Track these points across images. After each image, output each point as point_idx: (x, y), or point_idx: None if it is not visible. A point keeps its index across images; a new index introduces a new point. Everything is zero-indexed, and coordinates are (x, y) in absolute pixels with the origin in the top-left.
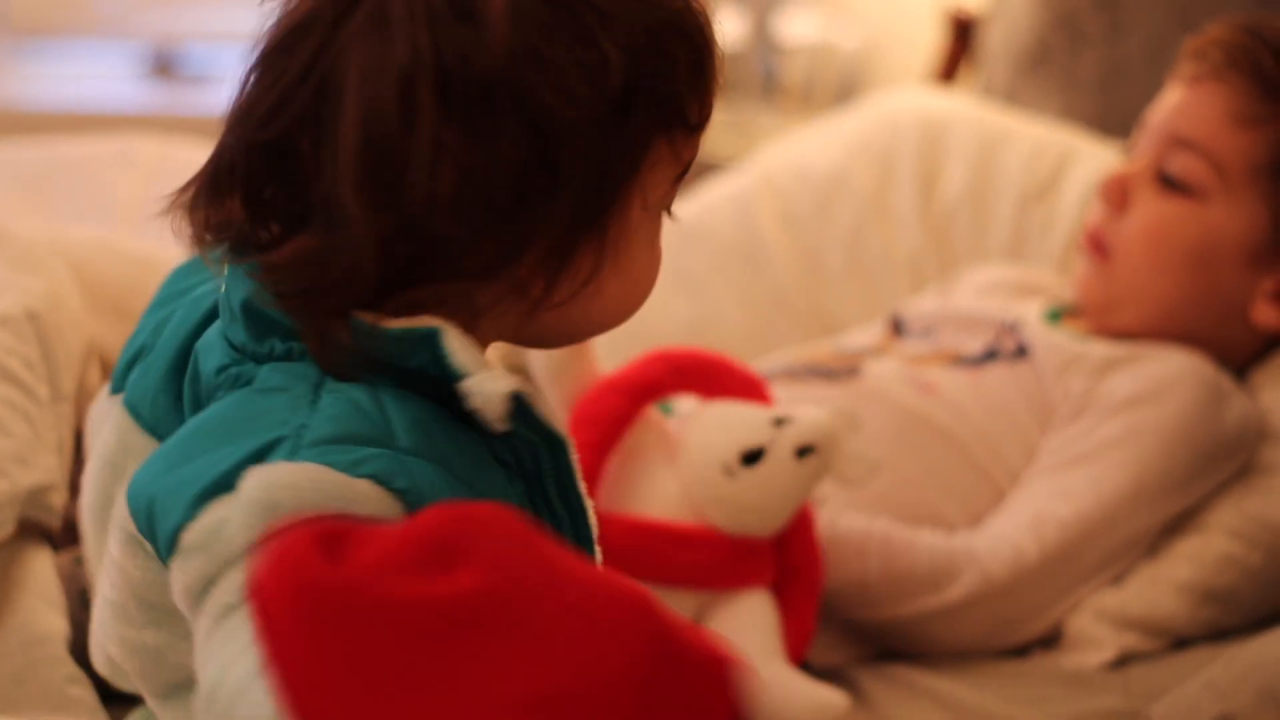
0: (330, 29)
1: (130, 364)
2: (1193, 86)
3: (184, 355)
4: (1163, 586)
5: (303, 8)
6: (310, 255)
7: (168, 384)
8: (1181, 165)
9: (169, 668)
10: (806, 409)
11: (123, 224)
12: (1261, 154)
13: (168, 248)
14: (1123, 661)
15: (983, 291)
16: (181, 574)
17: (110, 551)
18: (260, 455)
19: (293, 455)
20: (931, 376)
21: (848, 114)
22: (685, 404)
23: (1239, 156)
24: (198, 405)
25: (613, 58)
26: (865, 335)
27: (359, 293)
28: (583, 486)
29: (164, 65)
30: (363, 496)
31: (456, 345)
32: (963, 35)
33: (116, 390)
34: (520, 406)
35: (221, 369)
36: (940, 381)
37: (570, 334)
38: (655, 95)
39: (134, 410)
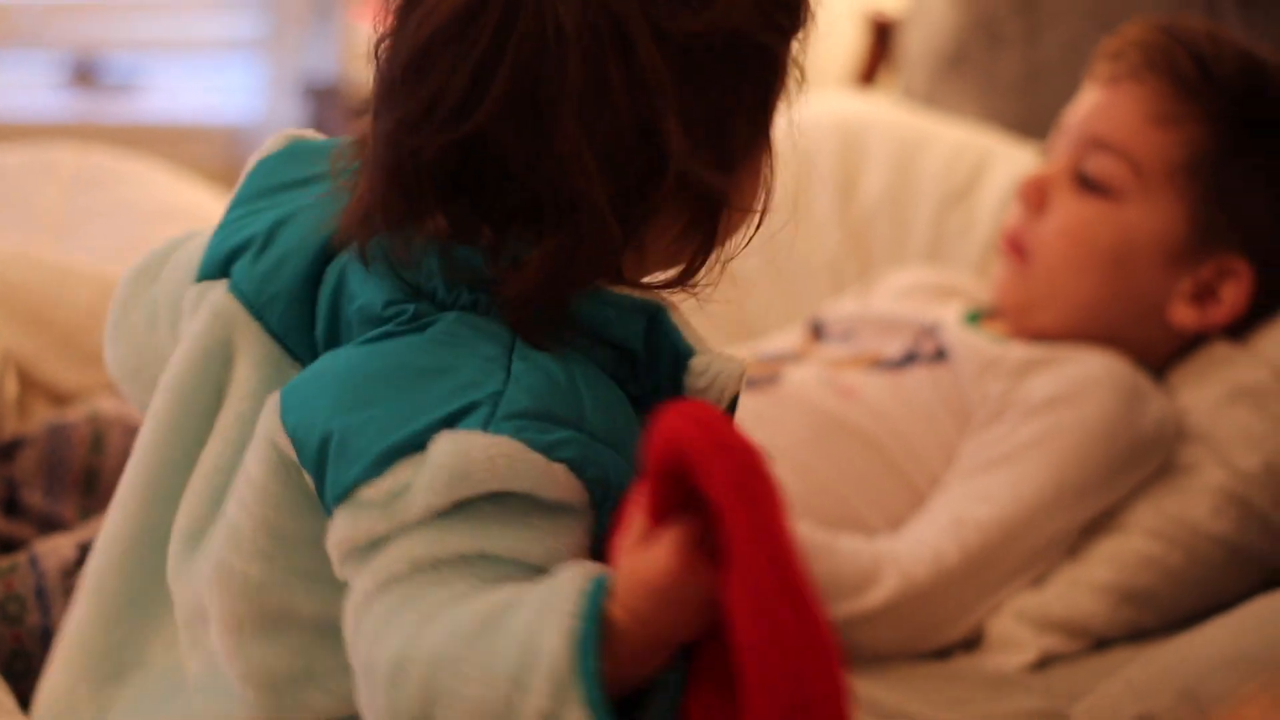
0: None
1: (234, 254)
2: (1110, 87)
3: (319, 264)
4: (1082, 587)
5: None
6: (557, 257)
7: (302, 292)
8: (1099, 166)
9: (257, 605)
10: None
11: (42, 233)
12: (1178, 154)
13: (87, 256)
14: (1044, 663)
15: (902, 294)
16: (349, 527)
17: (249, 469)
18: (454, 419)
19: (488, 425)
20: (851, 380)
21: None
22: None
23: (1156, 157)
24: (336, 327)
25: None
26: (785, 340)
27: (607, 275)
28: None
29: (84, 74)
30: (555, 482)
31: (680, 321)
32: (882, 38)
33: (210, 276)
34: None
35: (391, 303)
36: (860, 385)
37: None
38: (804, 5)
39: (248, 302)
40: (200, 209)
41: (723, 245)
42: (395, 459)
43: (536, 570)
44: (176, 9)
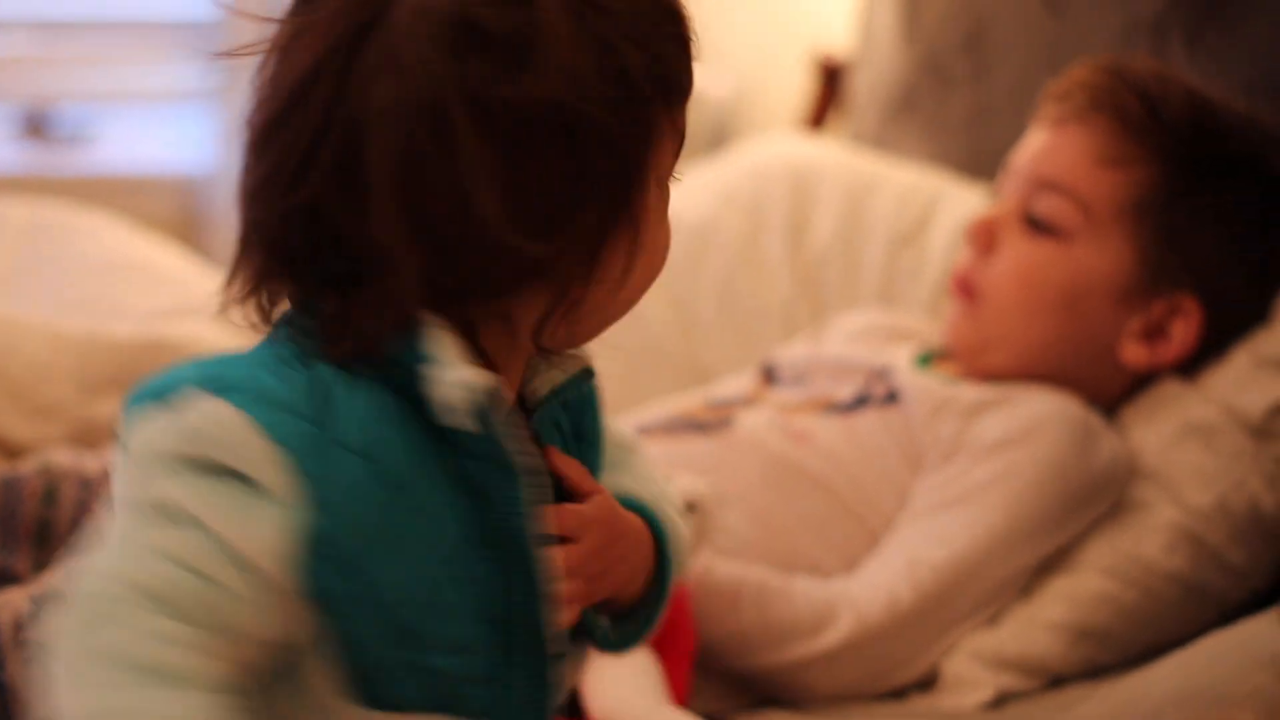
0: (341, 76)
1: None
2: (1057, 128)
3: None
4: (1038, 626)
5: (301, 63)
6: (363, 308)
7: None
8: (1048, 207)
9: None
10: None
11: None
12: (1126, 194)
13: (38, 309)
14: (1000, 701)
15: (854, 337)
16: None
17: None
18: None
19: (226, 395)
20: (803, 424)
21: (718, 163)
22: None
23: (1104, 197)
24: None
25: (629, 55)
26: (737, 384)
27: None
28: (536, 530)
29: (35, 126)
30: (256, 453)
31: (438, 335)
32: (831, 81)
33: None
34: (485, 412)
35: None
36: (812, 429)
37: (602, 326)
38: (658, 75)
39: None
40: (153, 261)
41: (569, 312)
42: (151, 399)
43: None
44: (128, 61)
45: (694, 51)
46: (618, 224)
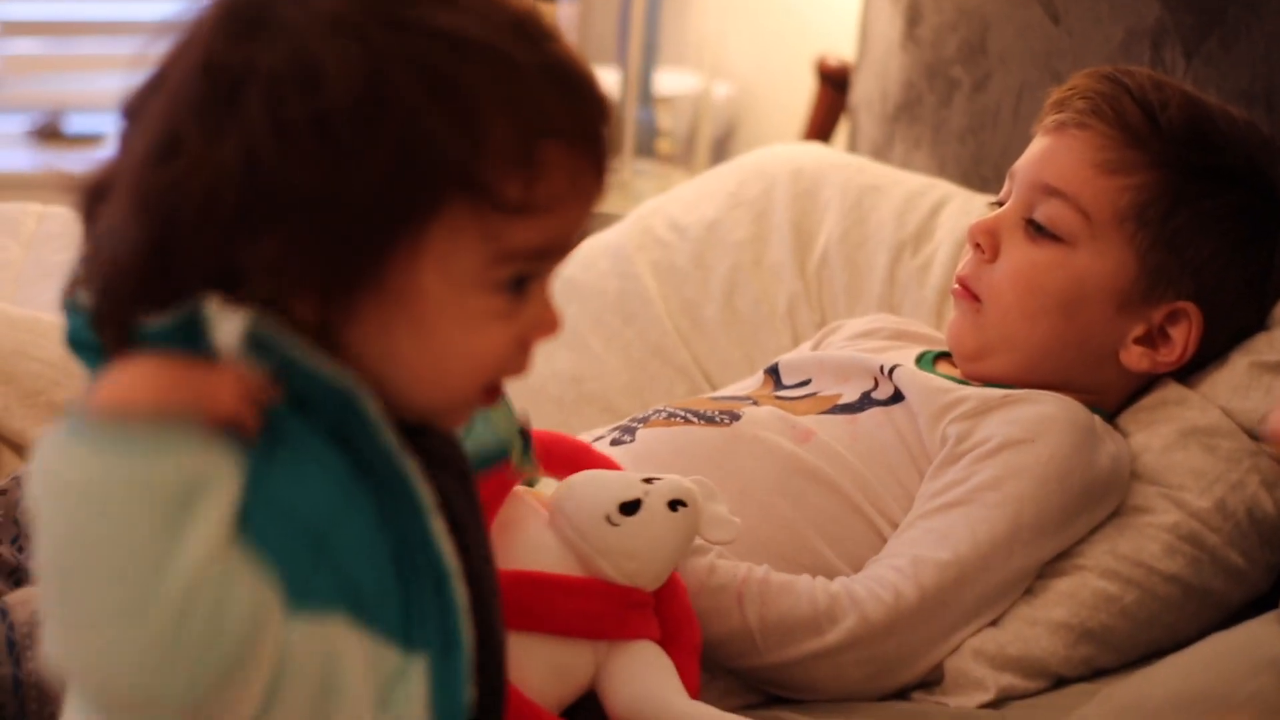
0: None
1: None
2: (1058, 135)
3: None
4: (1040, 626)
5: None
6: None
7: None
8: (1049, 212)
9: None
10: (669, 475)
11: (5, 287)
12: (1127, 200)
13: (51, 312)
14: (1002, 701)
15: (858, 340)
16: None
17: None
18: None
19: None
20: (808, 423)
21: (724, 167)
22: (548, 483)
23: (1105, 203)
24: None
25: (424, 133)
26: (741, 385)
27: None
28: (395, 445)
29: (49, 129)
30: None
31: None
32: (836, 86)
33: None
34: (259, 340)
35: None
36: (817, 428)
37: (389, 395)
38: (441, 164)
39: None
40: None
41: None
42: None
43: None
44: (137, 65)
45: (540, 168)
46: (359, 280)
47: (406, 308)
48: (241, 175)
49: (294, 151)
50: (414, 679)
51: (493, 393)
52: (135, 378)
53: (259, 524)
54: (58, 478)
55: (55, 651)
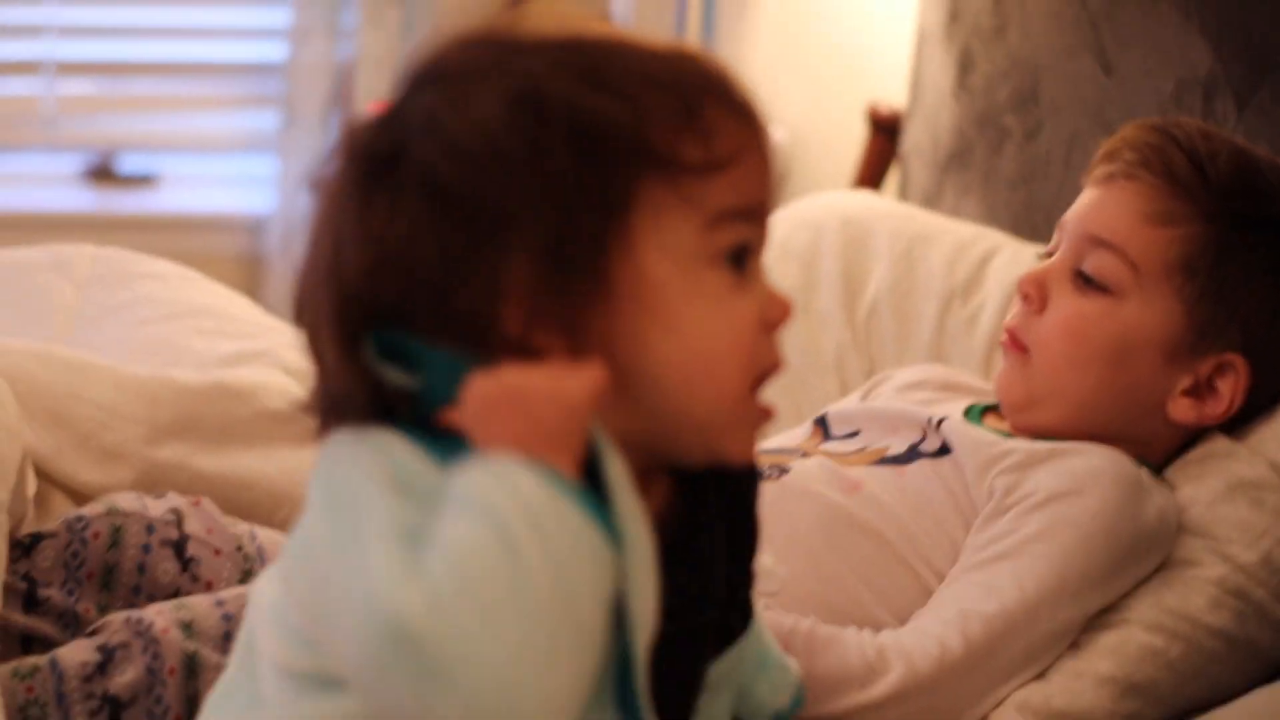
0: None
1: None
2: (1106, 186)
3: None
4: (1086, 679)
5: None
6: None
7: None
8: (1097, 264)
9: None
10: None
11: (59, 329)
12: (1175, 251)
13: (103, 353)
14: None
15: (907, 391)
16: None
17: None
18: None
19: None
20: (856, 474)
21: (773, 214)
22: None
23: (1153, 255)
24: None
25: (599, 115)
26: (790, 436)
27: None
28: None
29: (102, 169)
30: None
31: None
32: (888, 134)
33: None
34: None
35: None
36: (864, 479)
37: (669, 426)
38: (637, 142)
39: None
40: (218, 305)
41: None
42: None
43: None
44: (192, 105)
45: (712, 118)
46: (574, 290)
47: (646, 304)
48: (431, 219)
49: (473, 171)
50: None
51: (764, 407)
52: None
53: None
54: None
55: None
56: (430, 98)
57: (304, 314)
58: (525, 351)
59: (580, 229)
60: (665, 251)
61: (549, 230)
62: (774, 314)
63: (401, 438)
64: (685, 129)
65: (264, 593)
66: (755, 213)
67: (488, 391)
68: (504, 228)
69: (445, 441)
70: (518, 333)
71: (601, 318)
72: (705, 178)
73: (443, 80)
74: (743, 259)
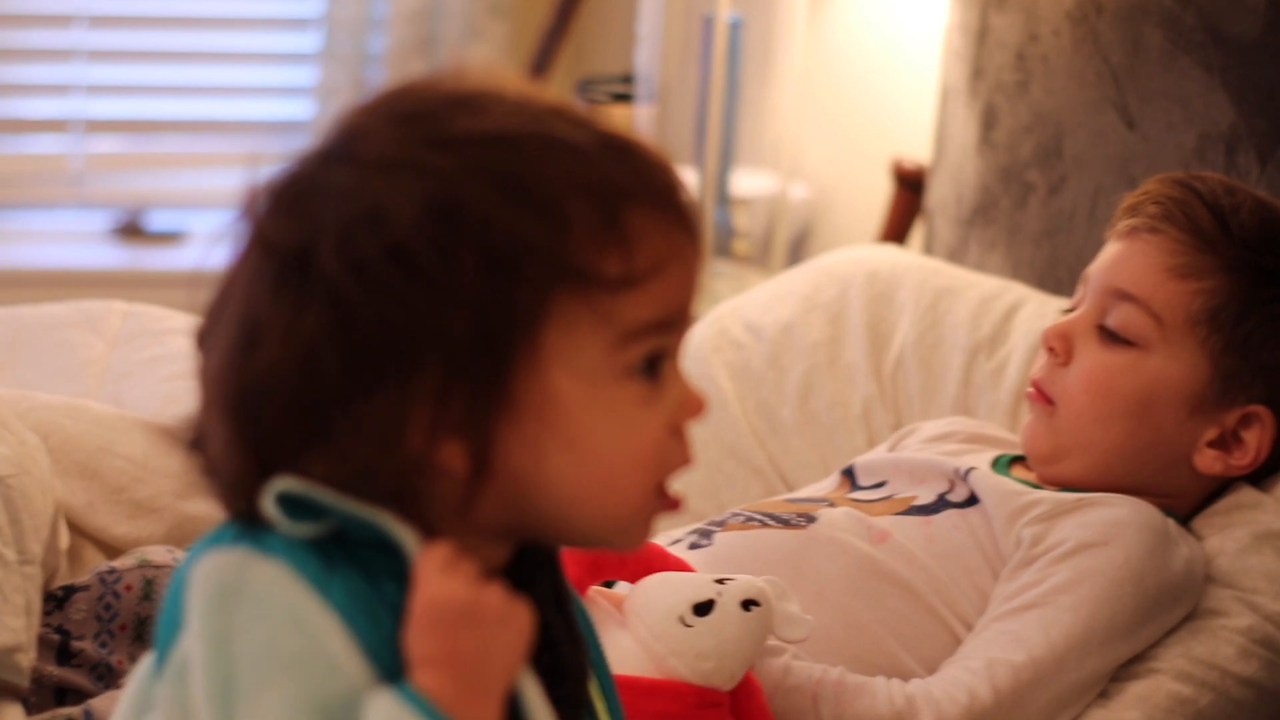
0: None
1: None
2: (1130, 240)
3: None
4: None
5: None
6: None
7: None
8: (1121, 317)
9: None
10: (741, 575)
11: (89, 384)
12: (1199, 304)
13: (133, 408)
14: None
15: (934, 442)
16: None
17: None
18: None
19: None
20: (883, 524)
21: (800, 269)
22: (621, 586)
23: (1177, 307)
24: None
25: (509, 231)
26: (817, 487)
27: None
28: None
29: (131, 226)
30: None
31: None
32: (912, 189)
33: None
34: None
35: None
36: (891, 529)
37: (557, 528)
38: (531, 256)
39: None
40: None
41: (488, 493)
42: None
43: None
44: (220, 162)
45: (631, 232)
46: (478, 407)
47: (549, 421)
48: (337, 333)
49: (380, 290)
50: None
51: (668, 498)
52: None
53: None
54: None
55: None
56: (341, 180)
57: (200, 386)
58: (427, 466)
59: (489, 345)
60: (573, 369)
61: (456, 345)
62: (685, 415)
63: (308, 592)
64: (606, 241)
65: None
66: (673, 322)
67: (446, 600)
68: (411, 344)
69: (342, 548)
70: (421, 445)
71: (505, 428)
72: (622, 293)
73: (356, 163)
74: (657, 365)
